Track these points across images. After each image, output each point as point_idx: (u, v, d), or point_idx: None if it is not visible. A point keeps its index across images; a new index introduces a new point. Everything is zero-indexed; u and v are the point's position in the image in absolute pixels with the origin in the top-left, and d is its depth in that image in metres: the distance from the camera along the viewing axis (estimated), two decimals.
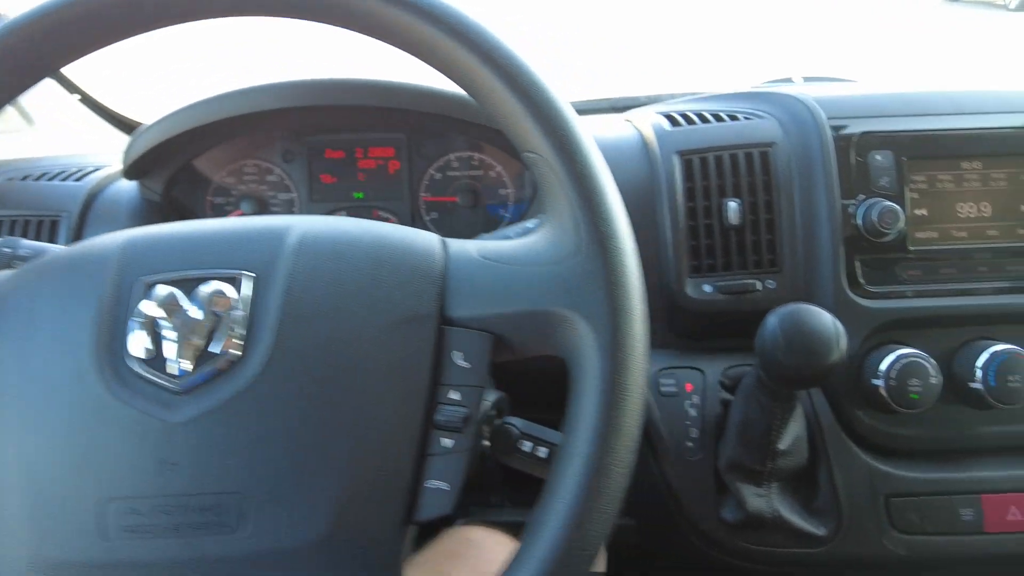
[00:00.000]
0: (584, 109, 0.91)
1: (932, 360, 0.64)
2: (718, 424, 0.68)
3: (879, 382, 0.65)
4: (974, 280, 0.68)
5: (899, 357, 0.65)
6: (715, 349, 0.72)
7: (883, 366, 0.65)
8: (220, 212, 0.86)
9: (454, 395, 0.42)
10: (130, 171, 0.78)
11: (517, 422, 0.66)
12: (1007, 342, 0.66)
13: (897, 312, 0.68)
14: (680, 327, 0.72)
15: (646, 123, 0.77)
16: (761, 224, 0.70)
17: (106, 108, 1.08)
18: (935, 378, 0.64)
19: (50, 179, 0.83)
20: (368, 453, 0.40)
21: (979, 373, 0.65)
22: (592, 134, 0.79)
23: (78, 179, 0.83)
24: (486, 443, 0.67)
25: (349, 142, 0.85)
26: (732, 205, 0.69)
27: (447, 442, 0.42)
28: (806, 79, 0.99)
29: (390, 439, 0.41)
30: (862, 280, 0.68)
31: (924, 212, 0.69)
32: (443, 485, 0.41)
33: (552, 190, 0.43)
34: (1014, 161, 0.69)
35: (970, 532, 0.65)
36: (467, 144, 0.85)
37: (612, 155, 0.77)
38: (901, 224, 0.66)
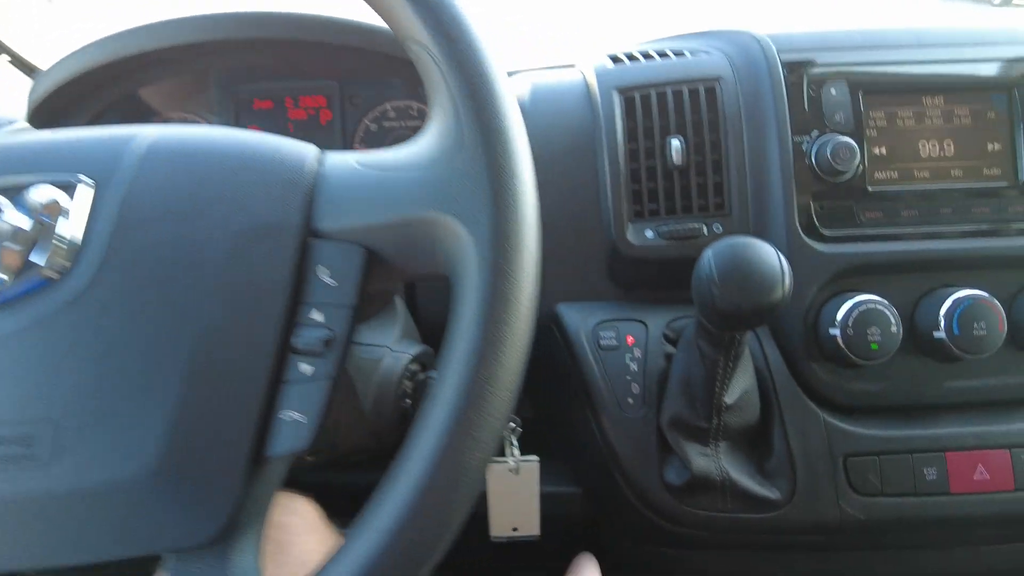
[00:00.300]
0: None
1: (893, 308, 0.59)
2: (661, 379, 0.63)
3: (835, 331, 0.60)
4: (937, 223, 0.63)
5: (856, 304, 0.59)
6: (660, 300, 0.66)
7: (840, 314, 0.60)
8: None
9: (316, 316, 0.37)
10: (35, 118, 0.73)
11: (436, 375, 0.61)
12: (972, 288, 0.61)
13: (856, 257, 0.62)
14: (622, 277, 0.67)
15: (590, 65, 0.72)
16: (707, 164, 0.64)
17: (39, 70, 1.02)
18: (895, 326, 0.59)
19: None
20: (210, 378, 0.35)
21: (942, 321, 0.60)
22: (535, 82, 0.75)
23: None
24: (408, 401, 0.62)
25: (278, 91, 0.80)
26: (675, 143, 0.64)
27: (305, 368, 0.36)
28: None
29: (237, 362, 0.35)
30: (818, 223, 0.63)
31: (883, 151, 0.64)
32: (299, 416, 0.36)
33: (434, 83, 0.38)
34: (978, 96, 0.64)
35: (934, 493, 0.60)
36: (405, 92, 0.80)
37: (552, 99, 0.72)
38: (857, 161, 0.61)
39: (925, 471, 0.60)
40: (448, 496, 0.33)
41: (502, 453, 0.62)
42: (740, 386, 0.59)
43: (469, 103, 0.36)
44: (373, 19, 0.75)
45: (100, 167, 0.38)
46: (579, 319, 0.66)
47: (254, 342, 0.35)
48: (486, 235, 0.35)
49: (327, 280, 0.37)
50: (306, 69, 0.79)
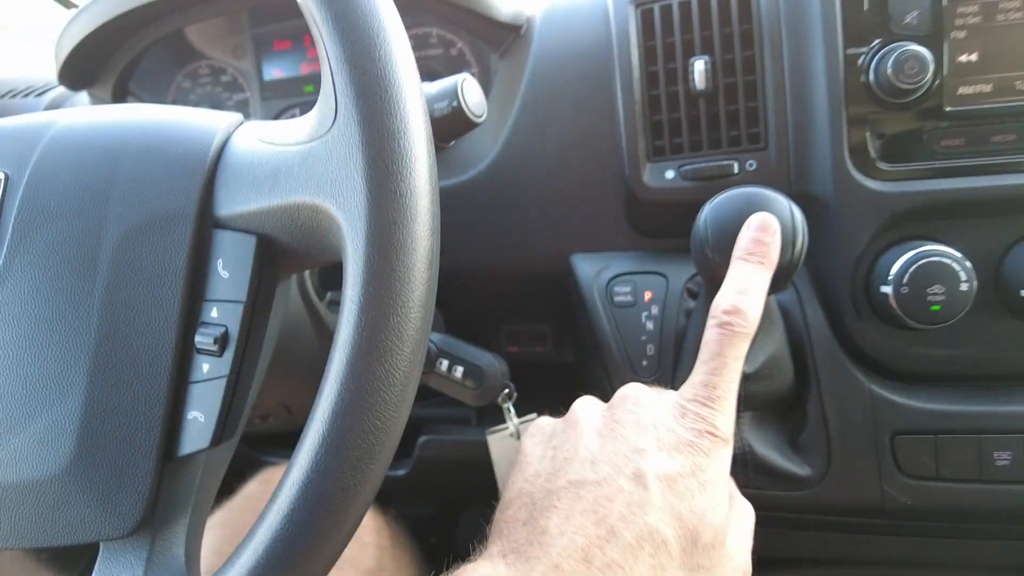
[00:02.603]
0: None
1: (966, 261, 0.48)
2: (678, 340, 0.56)
3: (888, 289, 0.50)
4: None
5: (916, 257, 0.49)
6: (685, 249, 0.59)
7: (894, 269, 0.50)
8: None
9: (214, 312, 0.35)
10: (65, 76, 0.74)
11: (435, 337, 0.58)
12: None
13: (924, 197, 0.51)
14: (642, 223, 0.60)
15: None
16: (739, 88, 0.54)
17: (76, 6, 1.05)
18: (966, 283, 0.48)
19: (12, 96, 0.81)
20: (114, 378, 0.34)
21: None
22: (546, 1, 0.66)
23: (39, 95, 0.81)
24: None
25: (297, 30, 0.77)
26: (698, 65, 0.54)
27: (205, 367, 0.35)
28: None
29: (140, 362, 0.34)
30: (874, 156, 0.52)
31: (973, 58, 0.50)
32: (199, 415, 0.35)
33: (317, 45, 0.33)
34: None
35: (1005, 481, 0.50)
36: (425, 19, 0.73)
37: (566, 18, 0.63)
38: (929, 76, 0.49)
39: (995, 456, 0.50)
40: (327, 500, 0.30)
41: (502, 420, 0.59)
42: (764, 352, 0.52)
43: (343, 68, 0.31)
44: None
45: (15, 157, 0.37)
46: (593, 272, 0.60)
47: (155, 342, 0.34)
48: (363, 228, 0.30)
49: (222, 272, 0.35)
50: None
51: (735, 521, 0.39)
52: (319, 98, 0.34)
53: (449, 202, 0.64)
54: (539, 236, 0.62)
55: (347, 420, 0.30)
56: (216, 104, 0.80)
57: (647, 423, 0.38)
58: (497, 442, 0.58)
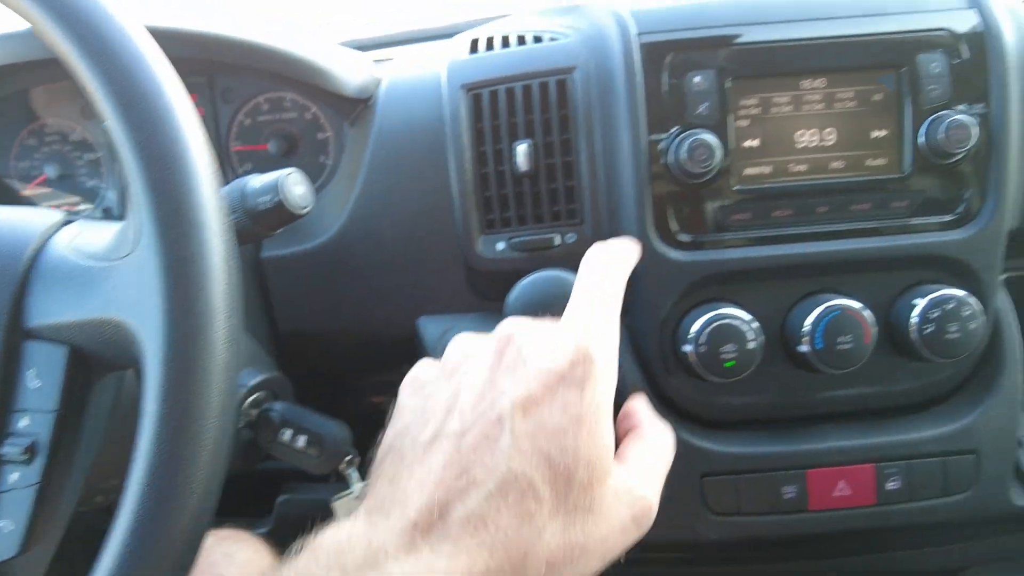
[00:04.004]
0: (416, 38, 0.80)
1: (753, 322, 0.55)
2: None
3: (689, 348, 0.56)
4: (813, 223, 0.58)
5: (710, 320, 0.55)
6: None
7: (692, 331, 0.56)
8: (26, 177, 0.80)
9: (23, 422, 0.36)
10: None
11: (279, 407, 0.60)
12: (851, 295, 0.56)
13: (718, 265, 0.58)
14: (481, 289, 0.64)
15: (452, 53, 0.66)
16: (558, 168, 0.60)
17: None
18: (754, 342, 0.55)
19: None
20: None
21: (806, 334, 0.56)
22: (392, 76, 0.70)
23: None
24: (250, 431, 0.61)
25: None
26: (521, 148, 0.59)
27: (13, 477, 0.36)
28: None
29: None
30: (675, 229, 0.58)
31: (755, 143, 0.58)
32: (7, 525, 0.36)
33: (123, 165, 0.35)
34: (865, 76, 0.57)
35: (792, 511, 0.57)
36: (278, 83, 0.75)
37: (405, 97, 0.67)
38: (718, 160, 0.56)
39: (784, 489, 0.57)
40: None
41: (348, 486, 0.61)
42: None
43: (145, 192, 0.33)
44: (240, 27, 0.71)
45: None
46: (438, 334, 0.63)
47: None
48: (159, 344, 0.33)
49: (32, 383, 0.36)
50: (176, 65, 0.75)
51: (634, 452, 0.38)
52: (129, 213, 0.36)
53: (298, 269, 0.66)
54: (387, 300, 0.65)
55: (148, 528, 0.32)
56: (66, 164, 0.78)
57: (518, 364, 0.36)
58: (344, 507, 0.60)
